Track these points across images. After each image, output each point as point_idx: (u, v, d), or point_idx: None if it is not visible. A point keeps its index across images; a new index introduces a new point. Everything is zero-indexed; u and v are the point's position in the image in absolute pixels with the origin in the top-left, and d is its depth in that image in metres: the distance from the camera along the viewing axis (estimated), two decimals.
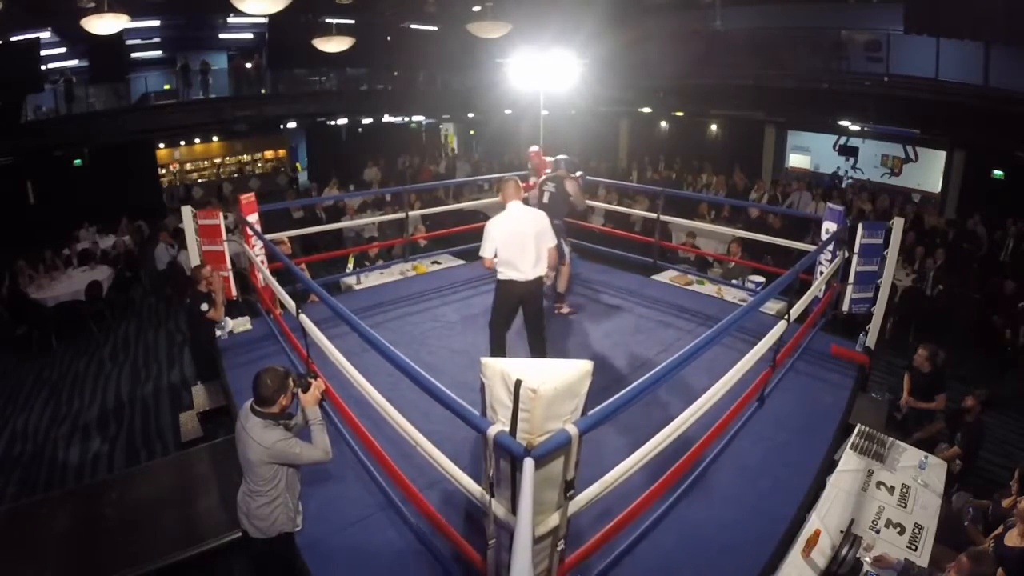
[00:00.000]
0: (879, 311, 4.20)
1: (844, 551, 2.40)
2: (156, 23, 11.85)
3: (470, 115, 17.01)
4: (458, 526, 2.40)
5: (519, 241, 3.67)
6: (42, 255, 8.35)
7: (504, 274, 3.74)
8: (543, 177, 5.17)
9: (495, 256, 3.72)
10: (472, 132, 19.48)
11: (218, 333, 4.51)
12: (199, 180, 15.07)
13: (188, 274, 4.98)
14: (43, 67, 10.19)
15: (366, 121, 16.42)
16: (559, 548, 1.89)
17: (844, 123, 10.97)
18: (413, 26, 13.70)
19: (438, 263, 6.50)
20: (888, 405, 4.27)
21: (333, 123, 16.21)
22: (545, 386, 1.67)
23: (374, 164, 14.13)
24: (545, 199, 4.93)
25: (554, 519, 1.81)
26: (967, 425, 4.07)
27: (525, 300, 3.82)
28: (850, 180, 11.51)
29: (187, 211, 4.61)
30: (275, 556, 2.61)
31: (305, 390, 2.51)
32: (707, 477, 2.94)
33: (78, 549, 2.99)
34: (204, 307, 4.39)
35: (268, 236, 4.71)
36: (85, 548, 2.99)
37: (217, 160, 15.57)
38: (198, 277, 4.51)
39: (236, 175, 15.55)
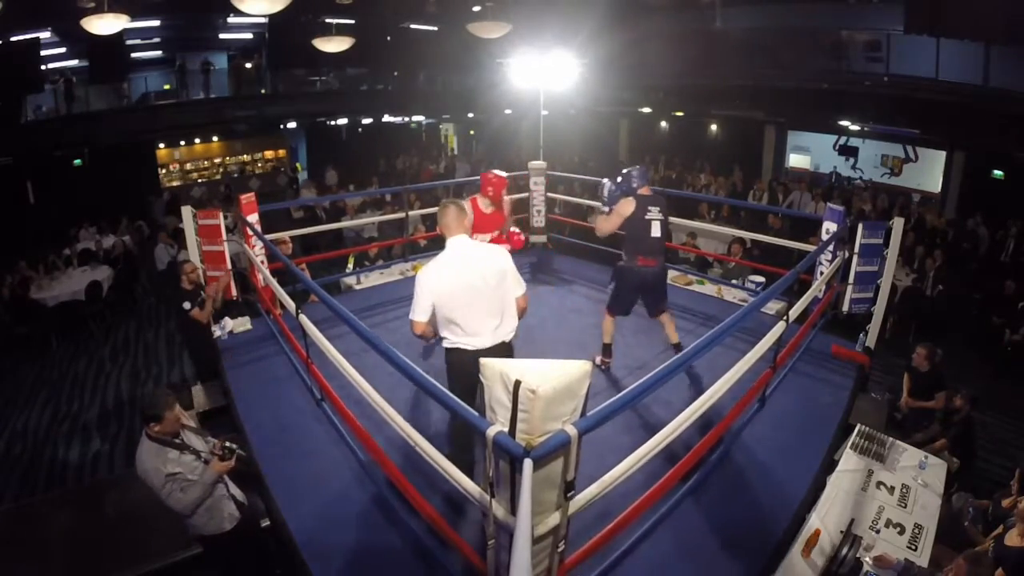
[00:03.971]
0: (879, 311, 4.20)
1: (844, 551, 2.39)
2: (156, 23, 11.83)
3: (470, 115, 17.01)
4: (458, 526, 2.40)
5: (469, 293, 2.59)
6: (42, 255, 8.36)
7: (451, 341, 2.69)
8: (639, 194, 3.75)
9: (431, 318, 2.65)
10: (472, 132, 19.47)
11: (217, 333, 4.50)
12: (199, 180, 15.06)
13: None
14: (43, 67, 10.18)
15: (366, 121, 16.43)
16: (559, 548, 1.89)
17: (844, 123, 10.97)
18: (413, 26, 13.69)
19: None
20: (888, 405, 4.28)
21: (333, 123, 16.21)
22: (544, 387, 1.66)
23: (333, 168, 14.25)
24: (656, 232, 3.70)
25: (554, 519, 1.81)
26: (956, 425, 4.10)
27: None
28: (857, 180, 11.49)
29: (187, 211, 4.60)
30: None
31: (221, 459, 2.57)
32: (707, 477, 2.94)
33: (78, 549, 3.00)
34: (187, 305, 4.31)
35: (269, 236, 4.70)
36: (85, 548, 3.00)
37: (217, 160, 15.57)
38: (178, 273, 4.46)
39: (236, 175, 15.55)
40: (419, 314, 2.64)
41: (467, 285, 2.58)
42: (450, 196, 11.29)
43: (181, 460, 2.50)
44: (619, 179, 3.88)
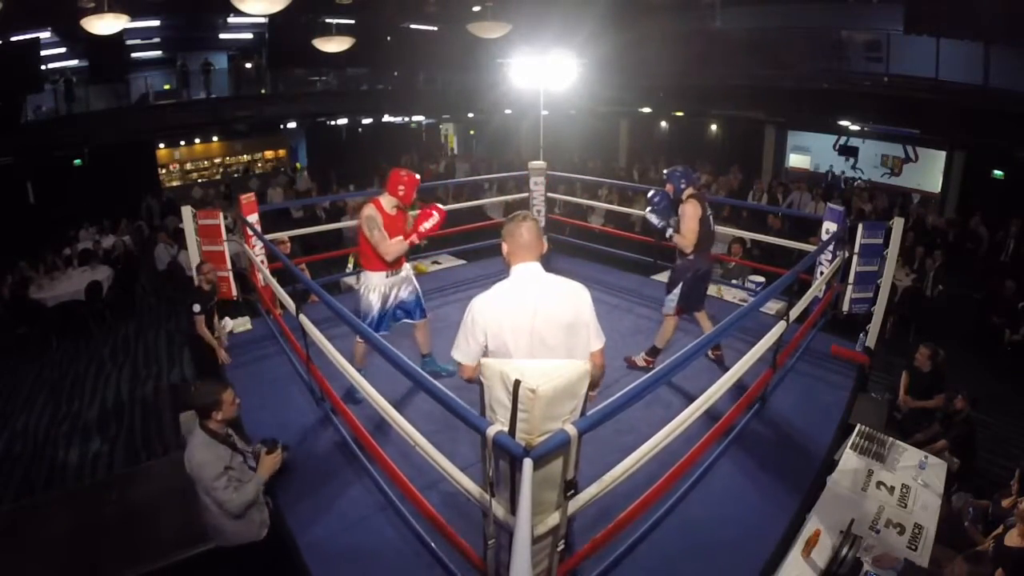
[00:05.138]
0: (879, 311, 4.20)
1: (844, 551, 2.39)
2: (156, 23, 11.86)
3: (470, 115, 17.01)
4: (458, 526, 2.39)
5: (530, 344, 2.01)
6: (42, 255, 8.36)
7: None
8: (695, 193, 3.71)
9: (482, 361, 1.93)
10: (472, 132, 19.48)
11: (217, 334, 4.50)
12: (199, 180, 15.06)
13: (188, 274, 4.93)
14: (43, 67, 10.19)
15: (366, 121, 16.44)
16: (559, 548, 1.89)
17: (844, 123, 10.97)
18: (413, 26, 13.71)
19: (438, 263, 6.50)
20: (888, 405, 4.28)
21: (333, 123, 16.22)
22: (544, 386, 1.66)
23: (307, 171, 14.51)
24: (713, 225, 3.79)
25: (554, 519, 1.81)
26: (956, 425, 4.10)
27: None
28: (858, 180, 11.48)
29: (187, 211, 4.60)
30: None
31: (268, 452, 2.59)
32: (707, 477, 2.94)
33: (78, 549, 2.99)
34: (196, 308, 4.27)
35: (268, 236, 4.70)
36: (85, 548, 2.99)
37: (217, 160, 15.57)
38: (178, 274, 4.44)
39: (238, 175, 15.55)
40: (465, 355, 2.05)
41: (529, 333, 2.00)
42: (450, 196, 11.35)
43: (234, 457, 2.51)
44: (666, 186, 3.76)
